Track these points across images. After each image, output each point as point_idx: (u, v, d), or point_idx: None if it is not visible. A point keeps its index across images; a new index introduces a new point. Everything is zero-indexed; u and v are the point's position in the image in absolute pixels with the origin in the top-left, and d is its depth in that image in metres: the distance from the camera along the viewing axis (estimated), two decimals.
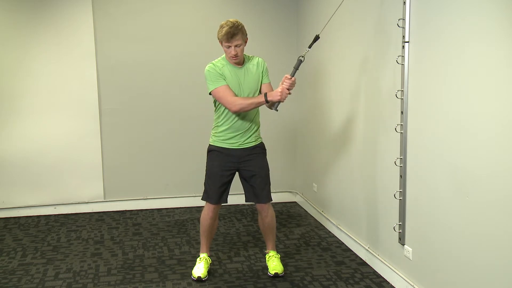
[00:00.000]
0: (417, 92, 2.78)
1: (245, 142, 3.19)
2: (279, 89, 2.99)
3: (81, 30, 4.56)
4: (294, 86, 3.02)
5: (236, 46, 3.00)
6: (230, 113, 3.14)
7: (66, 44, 4.55)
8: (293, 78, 3.00)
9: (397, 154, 2.98)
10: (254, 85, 3.17)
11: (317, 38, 3.08)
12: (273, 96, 3.01)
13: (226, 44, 3.00)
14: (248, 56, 3.21)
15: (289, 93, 3.01)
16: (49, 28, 4.51)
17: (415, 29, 2.76)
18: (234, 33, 2.95)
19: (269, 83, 3.24)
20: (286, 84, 2.98)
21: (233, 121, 3.14)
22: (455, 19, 2.41)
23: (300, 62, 3.03)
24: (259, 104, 3.07)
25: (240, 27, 2.99)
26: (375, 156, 3.33)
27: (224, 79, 3.09)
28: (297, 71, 3.04)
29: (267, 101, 3.04)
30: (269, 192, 3.27)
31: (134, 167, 4.83)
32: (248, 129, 3.17)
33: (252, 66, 3.18)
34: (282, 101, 3.02)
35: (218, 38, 3.02)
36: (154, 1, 4.68)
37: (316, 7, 4.37)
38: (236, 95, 3.09)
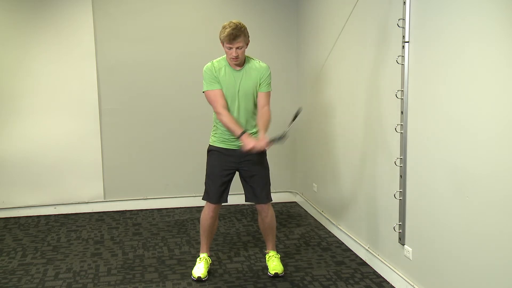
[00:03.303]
0: (417, 92, 2.78)
1: None
2: (254, 144, 2.96)
3: (81, 30, 4.56)
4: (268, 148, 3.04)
5: (237, 48, 2.97)
6: None
7: (66, 44, 4.55)
8: (270, 144, 2.99)
9: (397, 154, 2.98)
10: (250, 89, 3.13)
11: (298, 113, 3.08)
12: (246, 142, 2.99)
13: (228, 45, 2.98)
14: (251, 58, 3.17)
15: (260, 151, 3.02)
16: (49, 28, 4.51)
17: (415, 29, 2.76)
18: (236, 35, 2.94)
19: (267, 92, 3.17)
20: (261, 145, 2.97)
21: None
22: (455, 19, 2.41)
23: (280, 138, 3.00)
24: (234, 134, 3.06)
25: (243, 29, 2.98)
26: (375, 156, 3.33)
27: (219, 82, 3.08)
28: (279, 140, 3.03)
29: (238, 138, 3.04)
30: (269, 192, 3.27)
31: (134, 167, 4.83)
32: (246, 129, 3.16)
33: (253, 70, 3.13)
34: (251, 152, 3.00)
35: (220, 39, 3.00)
36: (154, 1, 4.68)
37: (316, 7, 4.37)
38: (226, 104, 3.08)
